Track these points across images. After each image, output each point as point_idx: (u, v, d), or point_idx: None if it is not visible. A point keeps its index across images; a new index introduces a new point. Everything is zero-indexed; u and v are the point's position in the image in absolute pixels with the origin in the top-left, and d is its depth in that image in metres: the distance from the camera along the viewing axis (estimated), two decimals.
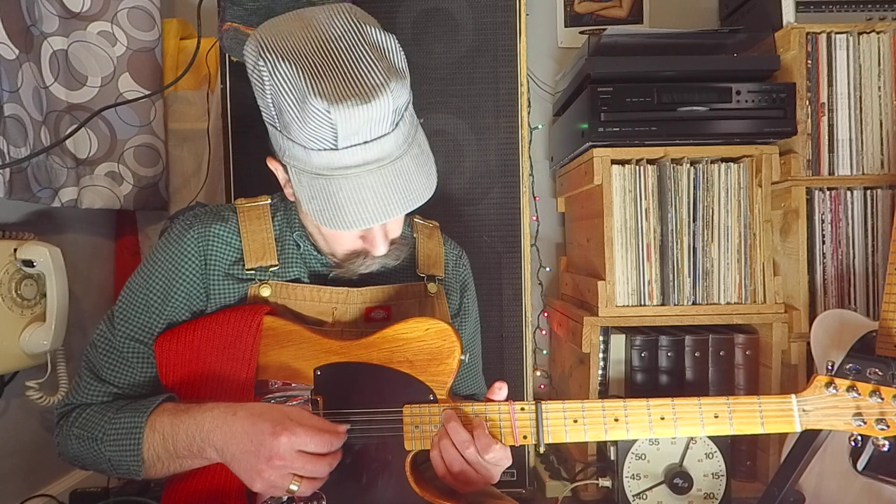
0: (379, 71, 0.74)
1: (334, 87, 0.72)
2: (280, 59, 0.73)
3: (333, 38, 0.76)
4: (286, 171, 0.84)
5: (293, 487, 0.73)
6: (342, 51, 0.75)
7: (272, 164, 0.87)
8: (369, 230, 0.84)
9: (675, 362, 1.33)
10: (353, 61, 0.74)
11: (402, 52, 0.79)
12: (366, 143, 0.74)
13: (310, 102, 0.71)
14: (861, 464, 1.02)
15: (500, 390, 0.82)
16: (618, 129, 1.25)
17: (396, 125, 0.77)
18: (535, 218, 1.67)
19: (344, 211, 0.76)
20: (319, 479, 0.76)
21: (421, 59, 1.28)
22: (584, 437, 0.80)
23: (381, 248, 0.85)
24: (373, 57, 0.75)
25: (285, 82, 0.73)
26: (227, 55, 1.26)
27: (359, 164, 0.75)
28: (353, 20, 0.77)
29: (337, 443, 0.77)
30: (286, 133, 0.77)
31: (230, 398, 0.81)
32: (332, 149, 0.74)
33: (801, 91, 1.27)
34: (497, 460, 0.78)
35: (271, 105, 0.77)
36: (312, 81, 0.72)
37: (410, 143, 0.80)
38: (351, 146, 0.74)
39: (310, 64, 0.73)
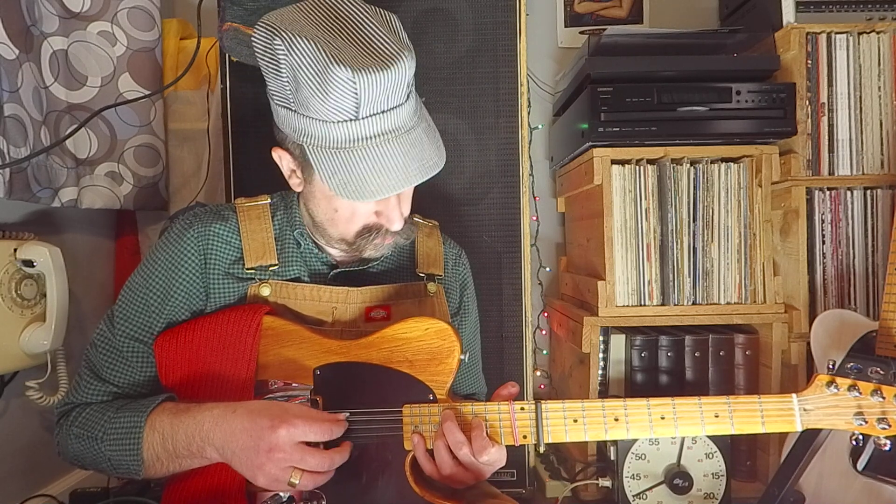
0: (392, 42, 0.77)
1: (354, 57, 0.75)
2: (297, 35, 0.75)
3: (343, 17, 0.79)
4: (294, 160, 0.85)
5: (294, 481, 0.73)
6: (354, 26, 0.78)
7: (277, 154, 0.88)
8: (387, 204, 0.86)
9: (675, 362, 1.33)
10: (367, 34, 0.78)
11: (405, 32, 0.83)
12: (384, 112, 0.77)
13: (332, 72, 0.73)
14: (861, 463, 1.02)
15: (513, 388, 0.83)
16: (618, 129, 1.25)
17: (408, 97, 0.80)
18: (535, 218, 1.67)
19: (367, 181, 0.78)
20: (321, 474, 0.76)
21: (421, 59, 1.25)
22: (585, 436, 0.80)
23: (397, 223, 0.86)
24: (383, 31, 0.78)
25: (304, 56, 0.75)
26: (227, 55, 1.26)
27: (378, 135, 0.78)
28: (360, 5, 0.81)
29: (337, 430, 0.77)
30: (304, 111, 0.79)
31: (230, 398, 0.81)
32: (352, 119, 0.76)
33: (801, 91, 1.27)
34: (492, 462, 0.78)
35: (287, 84, 0.79)
36: (332, 53, 0.74)
37: (420, 117, 0.83)
38: (371, 115, 0.77)
39: (326, 38, 0.76)
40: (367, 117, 0.77)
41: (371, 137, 0.78)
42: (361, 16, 0.79)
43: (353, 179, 0.78)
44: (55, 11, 1.19)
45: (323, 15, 0.79)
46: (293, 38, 0.75)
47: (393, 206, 0.85)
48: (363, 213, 0.86)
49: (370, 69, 0.73)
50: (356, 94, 0.74)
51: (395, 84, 0.76)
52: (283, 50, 0.76)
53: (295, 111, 0.80)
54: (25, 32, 1.09)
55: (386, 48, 0.76)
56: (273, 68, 0.79)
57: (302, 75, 0.75)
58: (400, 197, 0.87)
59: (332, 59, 0.73)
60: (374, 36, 0.77)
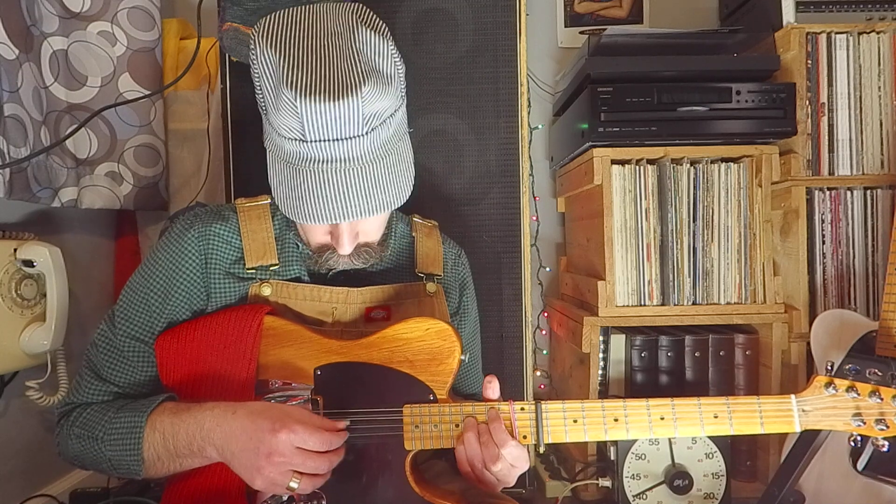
0: (357, 73, 0.75)
1: (307, 81, 0.74)
2: (268, 45, 0.77)
3: (324, 35, 0.78)
4: None
5: (293, 485, 0.73)
6: (328, 47, 0.77)
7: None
8: (336, 226, 0.84)
9: (675, 362, 1.33)
10: (334, 59, 0.76)
11: (396, 60, 0.80)
12: (334, 140, 0.75)
13: (281, 91, 0.74)
14: (861, 464, 1.02)
15: (490, 384, 0.82)
16: (618, 129, 1.25)
17: (373, 129, 0.77)
18: (535, 218, 1.67)
19: (304, 203, 0.78)
20: (319, 477, 0.76)
21: (421, 59, 1.28)
22: (584, 437, 0.80)
23: (345, 248, 0.84)
24: (356, 59, 0.76)
25: (267, 68, 0.77)
26: (227, 55, 1.26)
27: (324, 161, 0.76)
28: (352, 21, 0.80)
29: (336, 441, 0.78)
30: (269, 117, 0.80)
31: (230, 398, 0.81)
32: (300, 140, 0.76)
33: (801, 91, 1.27)
34: (514, 458, 0.78)
35: (258, 89, 0.81)
36: (288, 71, 0.74)
37: (388, 151, 0.80)
38: (318, 141, 0.75)
39: (292, 54, 0.76)
40: (313, 142, 0.75)
41: (316, 162, 0.76)
42: (343, 37, 0.78)
43: (293, 197, 0.78)
44: (55, 11, 1.19)
45: (309, 27, 0.79)
46: (264, 47, 0.77)
47: (342, 230, 0.83)
48: (317, 230, 0.86)
49: (316, 98, 0.72)
50: (300, 118, 0.74)
51: (344, 117, 0.74)
52: (255, 56, 0.78)
53: (265, 114, 0.82)
54: (25, 32, 1.09)
55: (345, 78, 0.74)
56: (253, 70, 0.82)
57: (264, 85, 0.78)
58: (354, 224, 0.84)
59: (283, 78, 0.74)
60: (341, 62, 0.75)
